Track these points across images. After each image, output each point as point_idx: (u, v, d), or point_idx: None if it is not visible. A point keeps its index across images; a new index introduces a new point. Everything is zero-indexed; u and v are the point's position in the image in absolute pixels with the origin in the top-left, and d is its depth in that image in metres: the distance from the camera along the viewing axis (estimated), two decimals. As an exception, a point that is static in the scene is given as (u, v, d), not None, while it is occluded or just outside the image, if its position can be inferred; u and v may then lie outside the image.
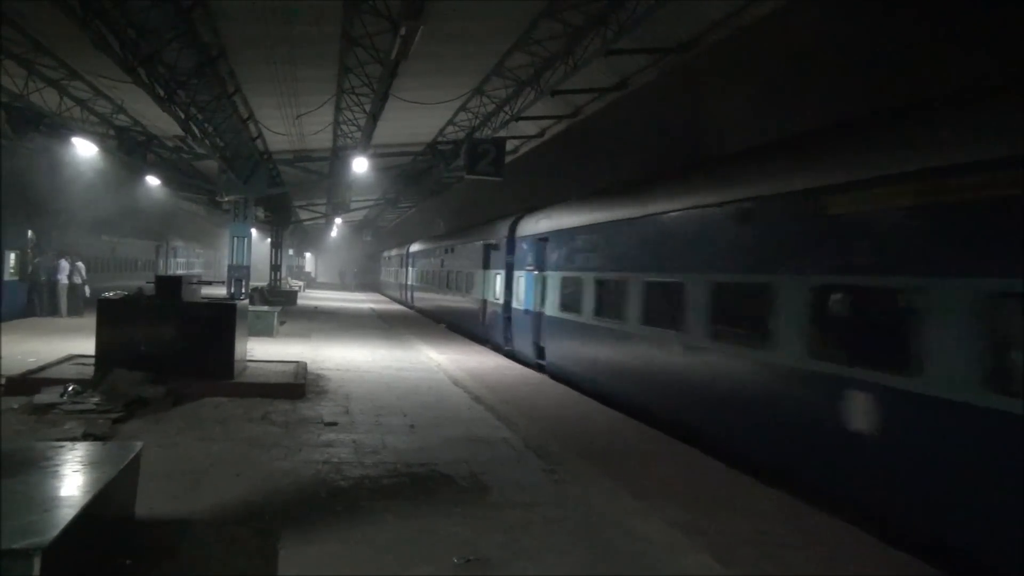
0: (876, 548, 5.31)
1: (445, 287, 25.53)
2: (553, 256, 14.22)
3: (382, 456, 7.28)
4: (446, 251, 25.73)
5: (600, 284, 11.86)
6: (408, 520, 5.47)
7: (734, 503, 6.28)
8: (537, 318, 14.92)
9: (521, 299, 16.16)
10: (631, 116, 16.88)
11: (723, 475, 7.24)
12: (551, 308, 14.06)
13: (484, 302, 19.46)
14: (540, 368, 14.56)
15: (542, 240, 14.92)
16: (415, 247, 34.48)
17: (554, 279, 14.06)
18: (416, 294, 33.44)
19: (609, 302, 11.44)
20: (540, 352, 14.78)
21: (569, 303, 13.12)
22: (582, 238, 12.92)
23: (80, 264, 21.44)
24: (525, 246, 16.20)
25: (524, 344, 15.84)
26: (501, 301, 17.62)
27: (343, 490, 6.15)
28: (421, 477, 6.65)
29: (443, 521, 5.48)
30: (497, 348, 17.86)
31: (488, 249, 19.19)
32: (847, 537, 5.54)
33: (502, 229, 18.20)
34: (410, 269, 35.42)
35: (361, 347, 16.89)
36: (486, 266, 19.34)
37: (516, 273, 16.75)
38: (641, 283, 10.34)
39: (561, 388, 12.46)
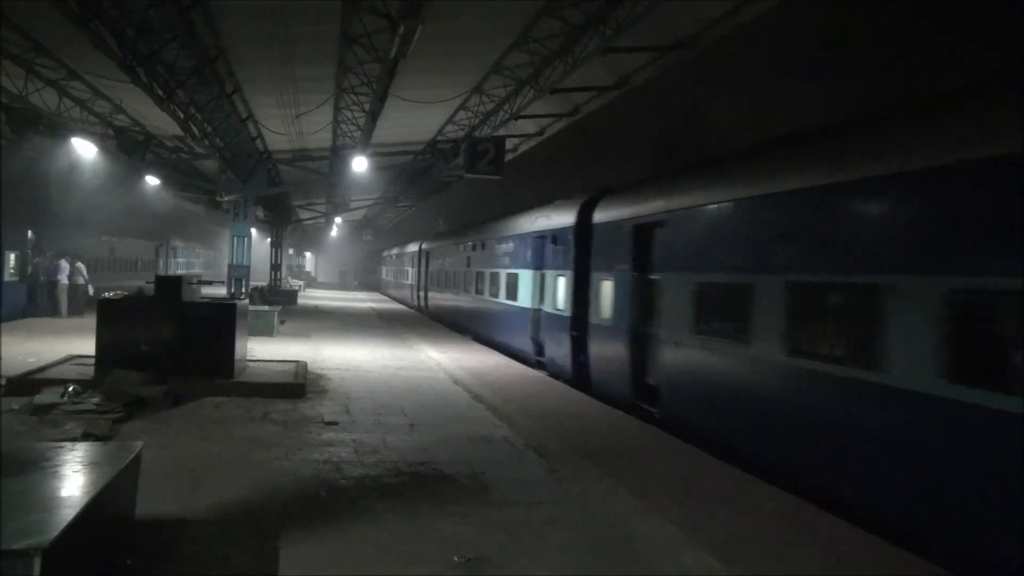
0: (877, 546, 5.30)
1: (474, 291, 20.95)
2: (679, 248, 9.55)
3: (382, 455, 7.28)
4: (474, 247, 21.20)
5: (803, 294, 7.02)
6: (408, 519, 5.47)
7: (734, 501, 6.27)
8: (639, 343, 10.45)
9: (605, 312, 11.60)
10: (631, 114, 16.87)
11: (723, 473, 7.22)
12: (676, 330, 9.27)
13: (536, 312, 15.10)
14: (642, 415, 9.91)
15: (651, 226, 10.26)
16: (431, 244, 30.01)
17: (682, 286, 9.23)
18: (432, 297, 28.77)
19: (837, 330, 6.77)
20: (646, 393, 10.15)
21: (722, 326, 8.33)
22: (759, 217, 7.92)
23: (81, 264, 21.45)
24: (613, 237, 11.60)
25: (613, 376, 11.26)
26: (567, 313, 13.06)
27: (343, 489, 6.15)
28: (421, 476, 6.65)
29: (444, 520, 5.48)
30: (557, 374, 13.42)
31: (541, 244, 14.85)
32: (848, 535, 5.53)
33: (565, 215, 13.62)
34: (423, 269, 30.64)
35: (361, 346, 16.89)
36: (538, 265, 15.01)
37: (596, 275, 12.11)
38: (940, 298, 5.46)
39: (561, 387, 12.33)
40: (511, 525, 5.44)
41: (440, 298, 26.93)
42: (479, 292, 20.28)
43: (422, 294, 31.13)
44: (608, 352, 11.54)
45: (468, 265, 21.84)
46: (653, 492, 6.38)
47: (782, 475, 6.80)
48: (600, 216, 12.34)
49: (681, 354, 9.30)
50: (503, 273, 17.81)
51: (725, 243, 8.55)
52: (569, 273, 13.10)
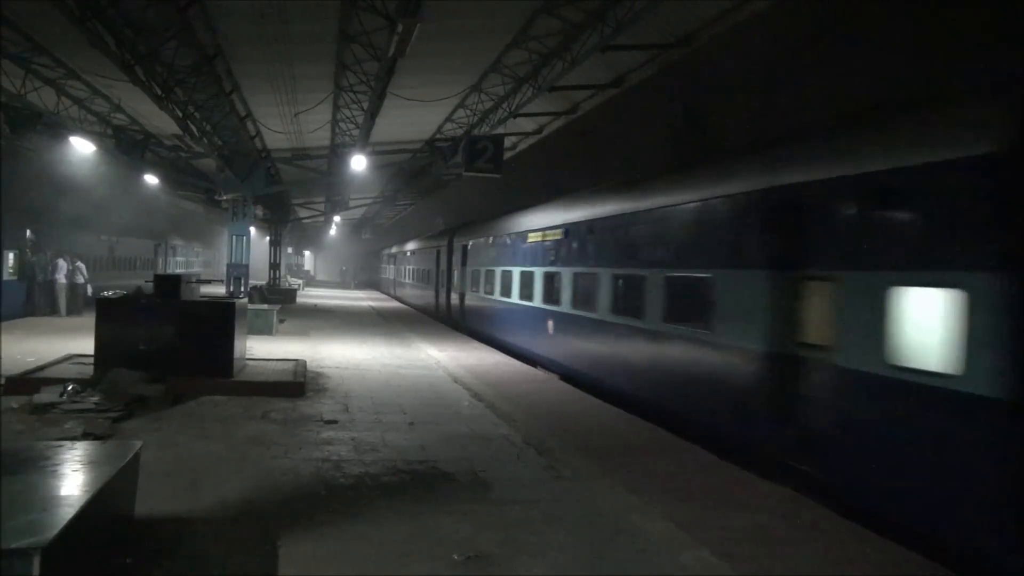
0: (876, 543, 5.31)
1: (567, 303, 13.28)
2: None
3: (382, 454, 7.28)
4: (567, 234, 13.50)
5: None
6: (408, 517, 5.48)
7: (734, 498, 6.28)
8: None
9: None
10: (629, 112, 16.85)
11: (723, 470, 7.24)
12: None
13: (799, 362, 6.94)
14: None
15: None
16: (468, 236, 22.09)
17: None
18: (473, 306, 20.99)
19: None
20: None
21: None
22: None
23: (81, 264, 21.43)
24: None
25: None
26: (978, 387, 4.94)
27: (343, 488, 6.14)
28: (421, 474, 6.65)
29: (443, 518, 5.48)
30: (907, 524, 5.55)
31: (794, 218, 7.08)
32: (847, 533, 5.55)
33: (929, 138, 5.79)
34: (455, 268, 23.27)
35: (360, 345, 16.88)
36: (790, 261, 7.16)
37: None
38: None
39: (561, 385, 12.36)
40: (510, 523, 5.45)
41: (490, 308, 18.97)
42: (581, 306, 12.64)
43: (454, 299, 23.24)
44: None
45: (553, 262, 14.24)
46: (652, 489, 6.40)
47: None
48: None
49: None
50: (653, 278, 10.01)
51: None
52: (989, 280, 5.07)
